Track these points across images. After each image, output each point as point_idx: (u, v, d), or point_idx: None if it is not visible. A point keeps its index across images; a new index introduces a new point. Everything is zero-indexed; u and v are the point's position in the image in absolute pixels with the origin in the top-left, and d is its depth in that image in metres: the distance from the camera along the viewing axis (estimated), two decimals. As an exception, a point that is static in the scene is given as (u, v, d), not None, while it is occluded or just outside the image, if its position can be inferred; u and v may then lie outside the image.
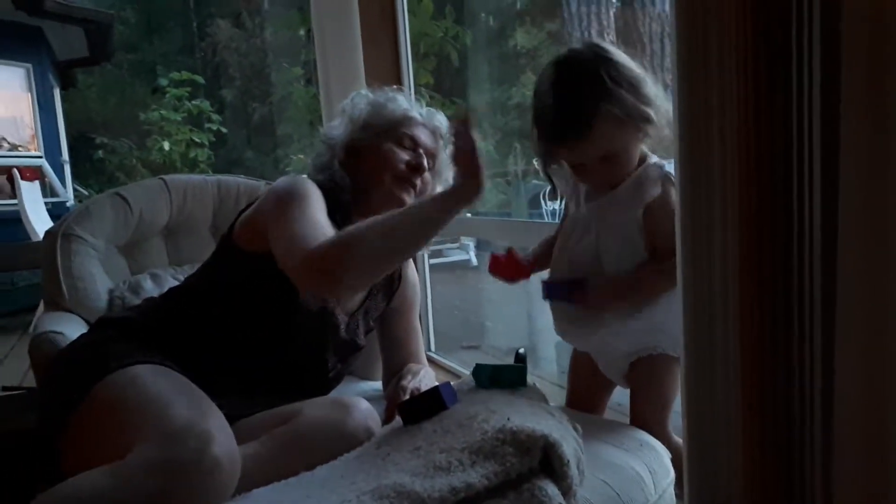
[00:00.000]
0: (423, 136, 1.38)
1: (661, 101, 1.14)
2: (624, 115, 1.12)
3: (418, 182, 1.34)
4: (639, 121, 1.13)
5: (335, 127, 1.41)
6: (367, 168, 1.33)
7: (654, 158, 1.22)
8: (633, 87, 1.12)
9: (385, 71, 2.39)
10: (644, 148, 1.22)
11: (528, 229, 2.17)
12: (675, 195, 0.84)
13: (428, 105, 1.46)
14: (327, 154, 1.37)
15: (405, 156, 1.33)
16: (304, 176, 1.32)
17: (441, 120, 1.43)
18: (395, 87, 1.47)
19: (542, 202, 6.61)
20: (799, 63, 0.69)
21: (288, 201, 1.18)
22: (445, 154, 1.41)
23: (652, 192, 1.16)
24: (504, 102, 10.06)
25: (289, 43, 11.94)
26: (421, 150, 1.35)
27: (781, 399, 0.75)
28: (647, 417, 1.23)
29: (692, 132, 0.78)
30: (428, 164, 1.36)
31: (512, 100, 10.08)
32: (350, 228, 1.07)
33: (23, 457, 1.38)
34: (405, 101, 1.40)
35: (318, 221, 1.13)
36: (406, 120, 1.37)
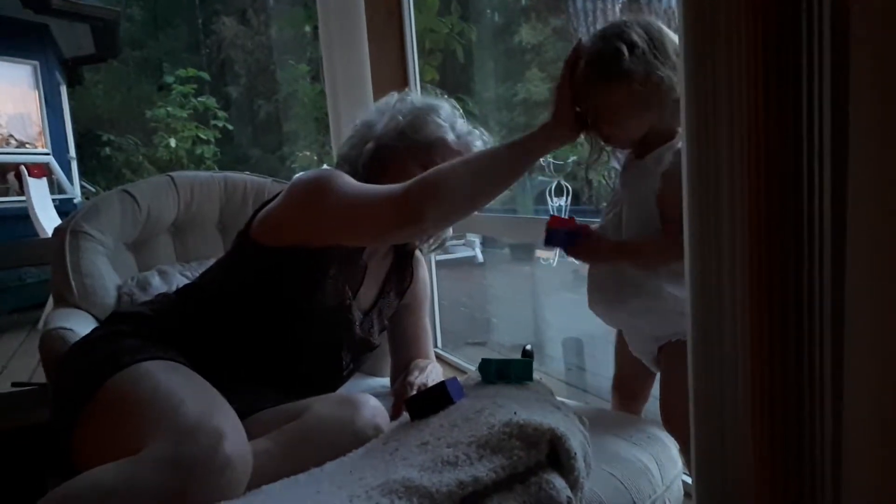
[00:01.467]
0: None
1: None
2: (645, 83, 1.12)
3: None
4: (652, 95, 1.13)
5: (375, 116, 1.37)
6: (386, 183, 1.29)
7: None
8: (666, 60, 1.13)
9: (391, 67, 2.39)
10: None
11: (534, 226, 2.17)
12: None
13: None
14: (358, 147, 1.35)
15: None
16: (331, 169, 1.30)
17: (478, 145, 1.37)
18: (444, 96, 1.42)
19: (548, 199, 6.61)
20: (809, 55, 0.69)
21: (325, 184, 1.19)
22: None
23: (667, 161, 1.17)
24: (509, 99, 10.05)
25: (294, 40, 11.96)
26: None
27: (792, 396, 0.75)
28: (673, 403, 1.23)
29: (700, 126, 0.78)
30: None
31: (517, 96, 10.08)
32: (434, 169, 1.12)
33: (34, 452, 1.40)
34: (446, 119, 1.34)
35: (372, 186, 1.17)
36: (439, 144, 1.32)
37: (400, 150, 1.31)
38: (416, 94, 1.39)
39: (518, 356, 1.20)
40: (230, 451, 0.91)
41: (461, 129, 1.36)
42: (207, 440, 0.90)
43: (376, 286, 1.41)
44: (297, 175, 1.32)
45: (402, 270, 1.46)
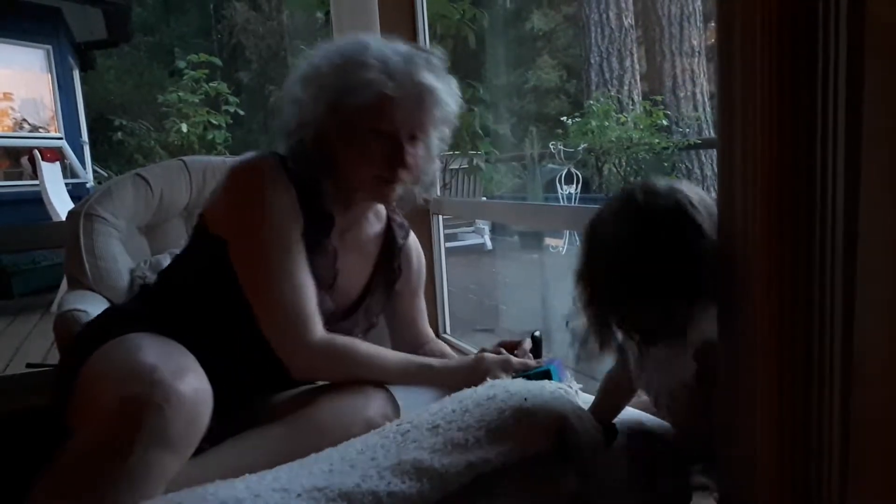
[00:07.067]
0: (403, 112, 1.12)
1: None
2: None
3: (402, 172, 1.17)
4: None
5: (299, 87, 1.16)
6: (342, 162, 1.17)
7: None
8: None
9: (402, 53, 2.39)
10: None
11: (544, 213, 2.17)
12: None
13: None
14: (294, 134, 1.18)
15: (384, 149, 1.14)
16: (269, 161, 1.15)
17: (426, 76, 1.13)
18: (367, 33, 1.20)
19: (558, 186, 6.59)
20: (825, 55, 0.69)
21: (255, 225, 1.13)
22: (440, 110, 1.18)
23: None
24: (520, 85, 10.00)
25: (306, 25, 11.91)
26: (401, 138, 1.14)
27: (799, 391, 0.75)
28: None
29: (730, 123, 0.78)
30: (417, 135, 1.17)
31: (528, 83, 10.02)
32: (350, 349, 1.16)
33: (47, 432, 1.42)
34: (377, 67, 1.10)
35: (299, 281, 1.13)
36: (380, 101, 1.09)
37: (339, 126, 1.13)
38: (333, 41, 1.19)
39: (528, 343, 1.23)
40: (183, 389, 0.92)
41: (397, 66, 1.11)
42: (160, 377, 0.92)
43: (364, 276, 1.34)
44: (238, 163, 1.19)
45: (390, 262, 1.38)
